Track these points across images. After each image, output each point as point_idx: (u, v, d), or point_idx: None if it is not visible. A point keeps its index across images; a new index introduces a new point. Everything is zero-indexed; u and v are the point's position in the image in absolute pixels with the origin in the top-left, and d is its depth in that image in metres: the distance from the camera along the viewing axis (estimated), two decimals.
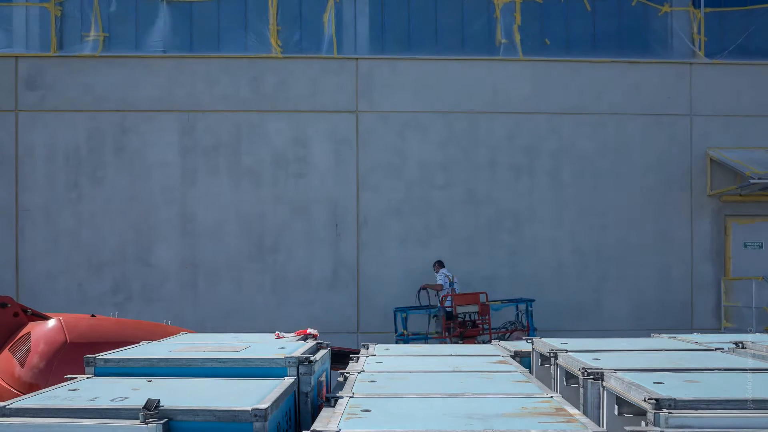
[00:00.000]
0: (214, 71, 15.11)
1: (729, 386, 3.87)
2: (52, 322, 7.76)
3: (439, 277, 14.34)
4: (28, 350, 7.50)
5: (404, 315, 13.99)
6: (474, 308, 13.72)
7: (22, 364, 7.41)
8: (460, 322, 13.72)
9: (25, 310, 8.66)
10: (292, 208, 15.04)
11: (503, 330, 13.91)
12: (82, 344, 7.15)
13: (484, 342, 13.65)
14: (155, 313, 12.88)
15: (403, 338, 13.86)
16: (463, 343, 13.39)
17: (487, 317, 13.78)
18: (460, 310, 13.71)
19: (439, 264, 14.57)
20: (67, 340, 7.39)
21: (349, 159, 15.11)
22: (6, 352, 7.90)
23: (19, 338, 7.95)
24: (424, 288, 14.42)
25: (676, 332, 7.49)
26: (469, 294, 13.98)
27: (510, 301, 14.20)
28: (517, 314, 14.16)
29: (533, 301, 14.04)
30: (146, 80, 15.03)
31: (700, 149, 15.39)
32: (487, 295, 13.88)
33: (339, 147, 15.13)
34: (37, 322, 8.13)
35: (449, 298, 13.90)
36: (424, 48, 15.52)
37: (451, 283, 14.24)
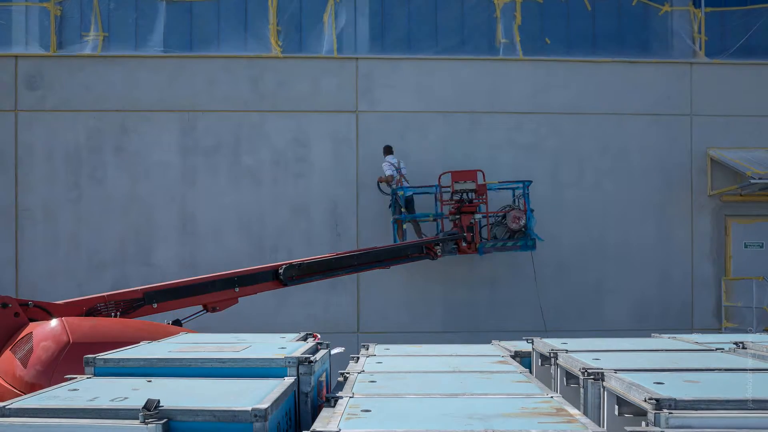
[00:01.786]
0: (214, 71, 15.10)
1: (729, 386, 3.87)
2: (54, 323, 7.77)
3: (386, 168, 14.28)
4: (30, 350, 7.51)
5: (401, 193, 14.08)
6: (471, 185, 13.65)
7: (24, 365, 7.41)
8: (456, 200, 13.69)
9: (26, 303, 8.69)
10: (292, 208, 15.03)
11: (501, 210, 13.99)
12: (84, 344, 7.17)
13: (482, 226, 13.77)
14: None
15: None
16: (461, 220, 13.57)
17: (483, 197, 13.75)
18: (457, 186, 13.64)
19: (386, 150, 14.46)
20: (70, 341, 7.41)
21: (349, 159, 15.10)
22: (8, 352, 7.90)
23: (21, 338, 7.95)
24: (380, 181, 14.38)
25: (676, 332, 7.50)
26: (466, 171, 13.86)
27: (507, 182, 14.19)
28: (514, 199, 14.17)
29: (530, 182, 13.99)
30: (146, 80, 15.02)
31: (700, 149, 15.38)
32: (484, 174, 13.85)
33: (339, 147, 15.13)
34: (39, 322, 8.14)
35: (402, 184, 13.97)
36: (424, 48, 15.51)
37: (398, 169, 14.21)
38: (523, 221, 13.66)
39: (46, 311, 8.66)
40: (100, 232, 14.78)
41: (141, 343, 5.69)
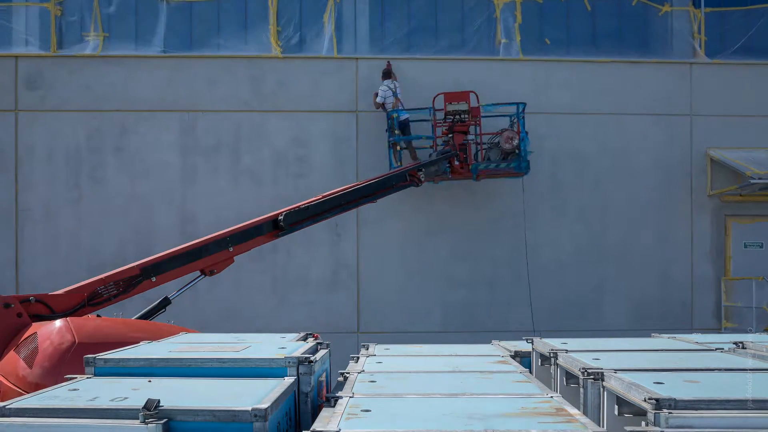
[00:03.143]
0: (214, 71, 15.10)
1: (729, 386, 3.87)
2: (59, 323, 7.76)
3: (380, 93, 14.42)
4: (35, 351, 7.50)
5: (395, 116, 14.19)
6: (464, 106, 13.65)
7: (29, 365, 7.40)
8: (449, 121, 13.71)
9: (28, 299, 8.69)
10: None
11: (496, 132, 14.02)
12: (90, 344, 7.16)
13: (476, 151, 13.81)
14: None
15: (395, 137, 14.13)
16: (453, 139, 13.63)
17: (477, 119, 13.77)
18: (449, 108, 13.65)
19: (383, 74, 14.55)
20: (75, 341, 7.40)
21: (349, 159, 15.10)
22: (12, 353, 7.89)
23: (25, 338, 7.94)
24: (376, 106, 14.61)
25: (676, 332, 7.49)
26: (459, 92, 13.89)
27: (501, 104, 14.19)
28: (511, 123, 14.19)
29: (525, 104, 14.03)
30: (146, 80, 15.02)
31: (700, 149, 15.38)
32: (477, 96, 13.89)
33: (339, 147, 15.13)
34: (43, 322, 8.14)
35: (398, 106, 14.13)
36: (424, 48, 15.51)
37: (394, 93, 14.32)
38: (516, 141, 13.63)
39: (47, 306, 8.67)
40: (100, 232, 14.78)
41: (141, 343, 5.70)
